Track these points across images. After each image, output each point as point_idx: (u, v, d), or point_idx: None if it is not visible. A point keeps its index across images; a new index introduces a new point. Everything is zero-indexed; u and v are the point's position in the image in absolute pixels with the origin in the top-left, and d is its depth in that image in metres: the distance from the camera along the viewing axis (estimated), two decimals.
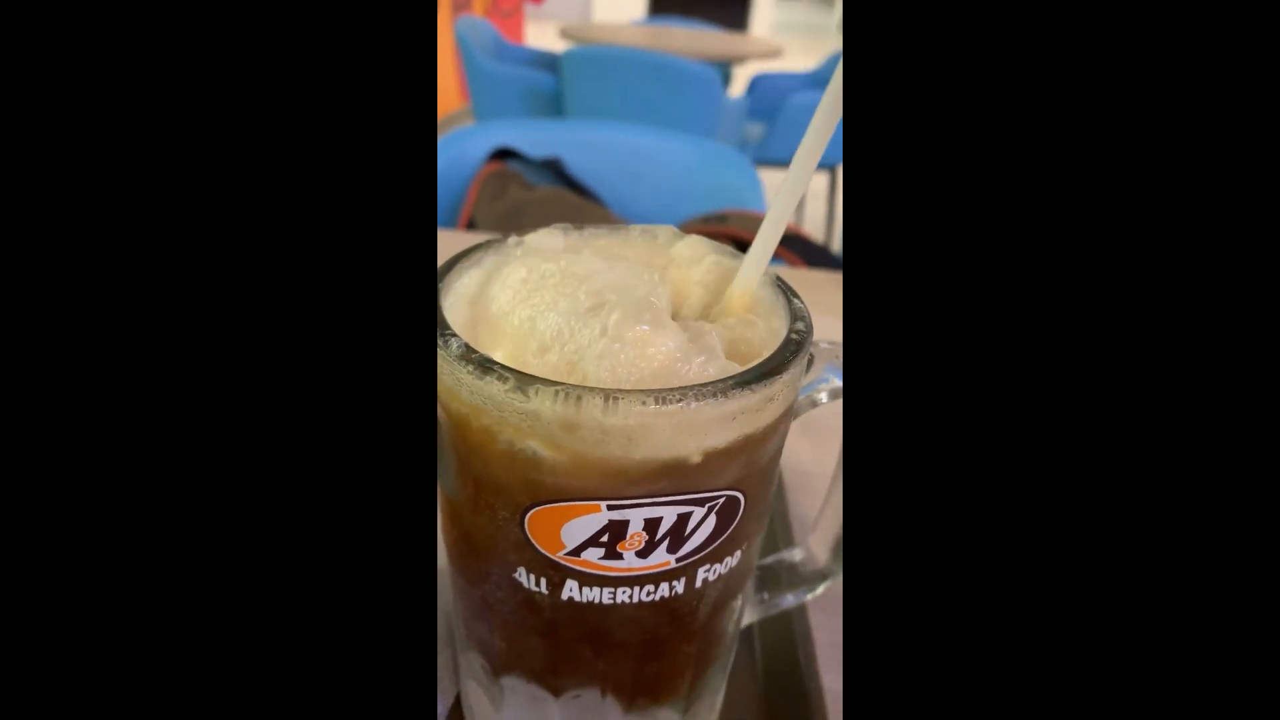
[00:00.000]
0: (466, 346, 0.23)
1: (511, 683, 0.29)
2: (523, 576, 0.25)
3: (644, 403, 0.21)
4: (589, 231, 0.31)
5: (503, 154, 1.22)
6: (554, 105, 2.46)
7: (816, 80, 2.93)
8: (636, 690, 0.29)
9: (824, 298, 0.75)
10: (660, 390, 0.21)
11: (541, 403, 0.21)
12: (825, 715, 0.36)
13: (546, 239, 0.30)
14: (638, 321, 0.23)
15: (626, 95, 2.31)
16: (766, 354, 0.24)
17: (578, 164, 1.22)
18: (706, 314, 0.28)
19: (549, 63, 2.69)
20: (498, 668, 0.30)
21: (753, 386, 0.22)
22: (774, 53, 2.95)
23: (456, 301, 0.27)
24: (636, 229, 0.32)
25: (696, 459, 0.23)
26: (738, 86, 3.35)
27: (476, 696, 0.33)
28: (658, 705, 0.30)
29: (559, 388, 0.21)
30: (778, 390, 0.23)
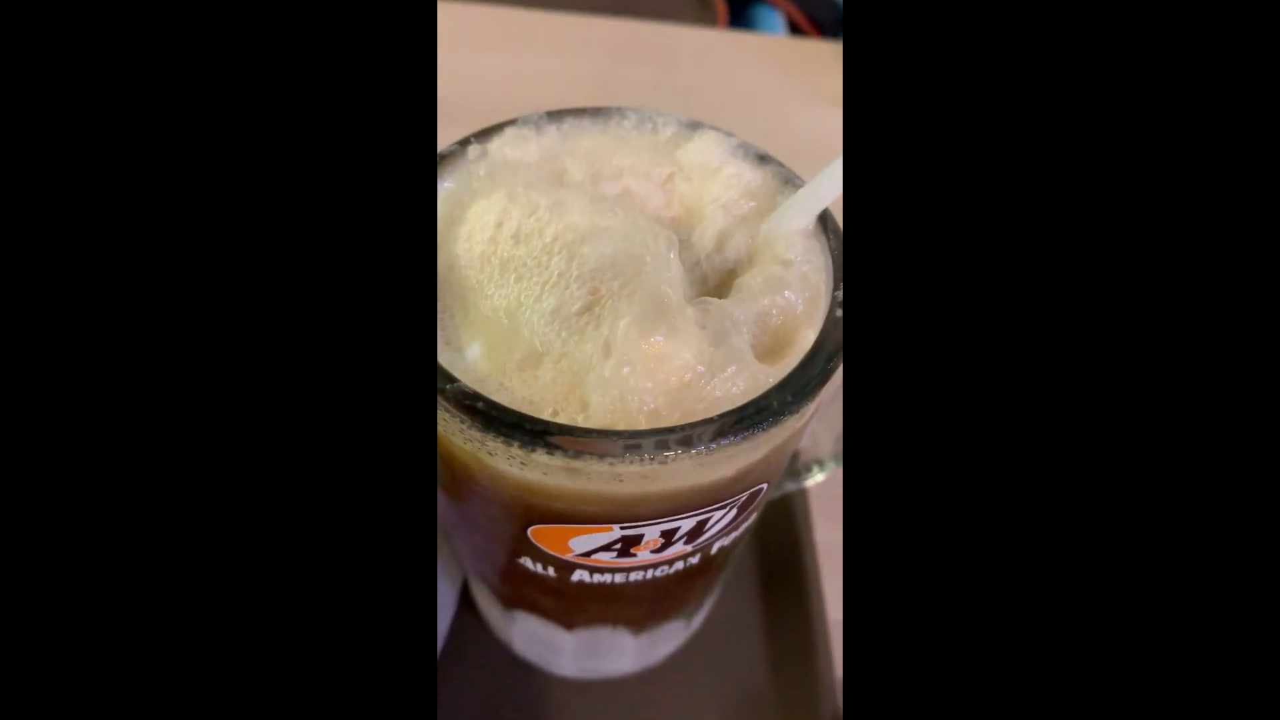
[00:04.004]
0: (444, 374, 0.18)
1: (522, 615, 0.29)
2: (529, 564, 0.23)
3: (663, 452, 0.17)
4: (569, 126, 0.24)
5: None
6: None
7: None
8: (646, 621, 0.29)
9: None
10: (683, 432, 0.17)
11: (538, 458, 0.17)
12: (820, 591, 0.37)
13: (516, 146, 0.23)
14: (650, 330, 0.18)
15: None
16: (804, 332, 0.20)
17: None
18: (724, 244, 0.23)
19: None
20: (506, 603, 0.29)
21: (791, 409, 0.18)
22: None
23: None
24: (631, 118, 0.25)
25: (721, 478, 0.20)
26: None
27: (485, 597, 0.33)
28: (665, 623, 0.31)
29: (559, 453, 0.17)
30: (820, 398, 0.19)
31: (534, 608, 0.28)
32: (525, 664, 0.34)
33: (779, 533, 0.40)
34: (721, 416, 0.18)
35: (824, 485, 0.41)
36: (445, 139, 0.23)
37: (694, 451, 0.17)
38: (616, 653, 0.31)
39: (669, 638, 0.33)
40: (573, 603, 0.27)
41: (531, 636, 0.31)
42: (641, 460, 0.17)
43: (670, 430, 0.17)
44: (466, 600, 0.36)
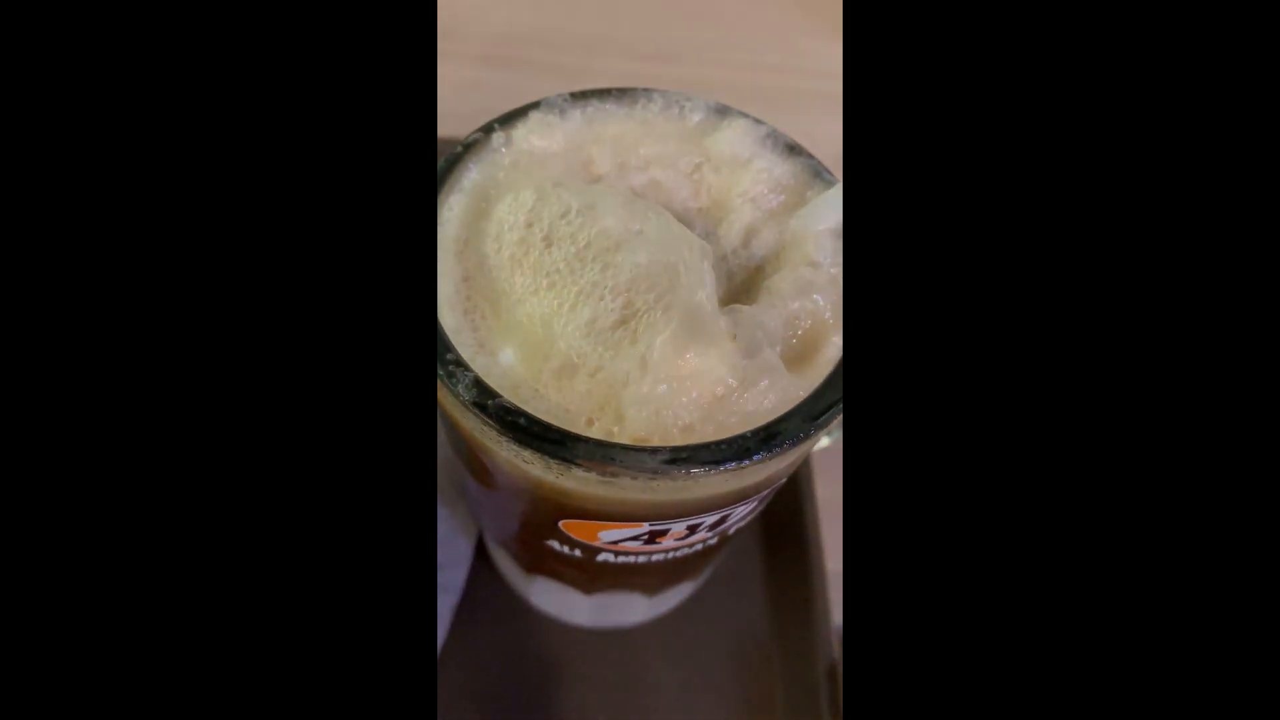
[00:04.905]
0: (478, 384, 0.18)
1: (541, 579, 0.31)
2: (555, 545, 0.24)
3: (696, 470, 0.18)
4: (593, 110, 0.24)
5: None
6: None
7: None
8: (662, 587, 0.31)
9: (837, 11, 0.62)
10: (714, 451, 0.18)
11: (575, 472, 0.18)
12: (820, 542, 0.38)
13: (541, 135, 0.23)
14: (685, 347, 0.18)
15: None
16: (831, 338, 0.21)
17: None
18: (752, 240, 0.23)
19: None
20: (527, 569, 0.31)
21: (820, 424, 0.19)
22: None
23: (442, 251, 0.21)
24: (658, 101, 0.24)
25: (750, 484, 0.20)
26: None
27: (504, 557, 0.34)
28: (678, 585, 0.32)
29: (594, 467, 0.18)
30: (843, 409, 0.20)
31: (554, 575, 0.30)
32: (540, 614, 0.35)
33: (782, 490, 0.41)
34: (754, 433, 0.18)
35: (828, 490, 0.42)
36: (440, 68, 0.21)
37: (725, 468, 0.18)
38: (629, 609, 0.33)
39: (678, 593, 0.34)
40: (594, 575, 0.28)
41: (549, 595, 0.33)
42: (673, 478, 0.18)
43: (704, 447, 0.18)
44: (483, 553, 0.37)
